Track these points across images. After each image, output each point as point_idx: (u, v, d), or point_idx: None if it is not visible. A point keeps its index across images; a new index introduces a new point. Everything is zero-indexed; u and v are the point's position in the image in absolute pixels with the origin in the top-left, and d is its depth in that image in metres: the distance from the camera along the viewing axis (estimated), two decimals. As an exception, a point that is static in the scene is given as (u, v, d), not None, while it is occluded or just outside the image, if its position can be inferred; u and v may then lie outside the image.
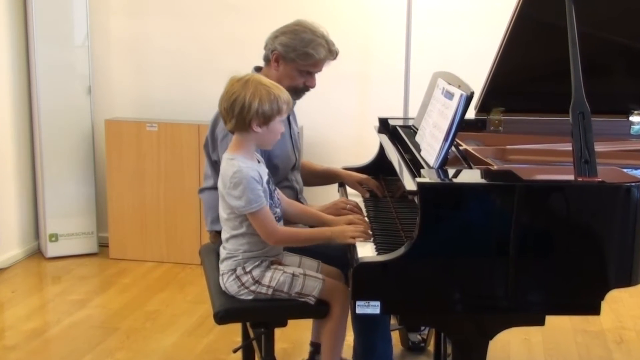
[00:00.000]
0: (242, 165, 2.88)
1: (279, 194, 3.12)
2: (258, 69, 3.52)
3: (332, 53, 3.45)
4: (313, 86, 3.49)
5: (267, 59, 3.50)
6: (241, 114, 2.86)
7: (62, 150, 5.68)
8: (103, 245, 5.90)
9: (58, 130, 5.63)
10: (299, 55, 3.38)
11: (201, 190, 3.58)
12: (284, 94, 2.92)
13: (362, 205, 3.43)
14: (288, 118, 3.53)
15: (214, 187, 3.28)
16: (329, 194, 4.01)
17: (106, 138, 5.65)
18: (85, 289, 5.15)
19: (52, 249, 5.75)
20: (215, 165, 3.39)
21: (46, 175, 5.66)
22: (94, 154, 5.81)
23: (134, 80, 5.88)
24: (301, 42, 3.38)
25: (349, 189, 3.74)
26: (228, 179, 2.88)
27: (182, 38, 5.74)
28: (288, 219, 3.14)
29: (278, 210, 3.04)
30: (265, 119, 2.87)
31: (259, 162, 3.03)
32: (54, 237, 5.73)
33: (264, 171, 3.01)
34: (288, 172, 3.54)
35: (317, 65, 3.44)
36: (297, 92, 3.48)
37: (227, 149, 3.01)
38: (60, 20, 5.58)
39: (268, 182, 2.99)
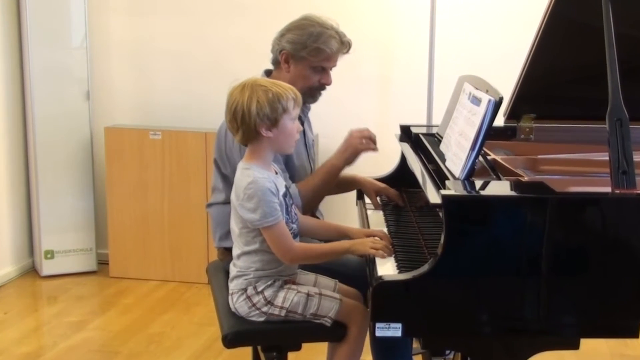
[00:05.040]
0: (257, 175, 2.89)
1: (295, 208, 3.13)
2: (268, 73, 3.54)
3: (344, 45, 3.46)
4: (329, 83, 3.51)
5: (276, 62, 3.51)
6: (244, 122, 2.87)
7: (59, 160, 5.72)
8: (102, 262, 5.94)
9: (54, 139, 5.68)
10: (310, 52, 3.40)
11: (209, 205, 3.59)
12: (287, 91, 2.91)
13: (382, 218, 3.45)
14: (303, 125, 3.55)
15: (223, 202, 3.30)
16: (345, 206, 4.03)
17: (106, 147, 5.69)
18: (83, 310, 5.18)
19: (47, 267, 5.79)
20: (225, 179, 3.41)
21: (41, 188, 5.70)
22: (93, 164, 5.85)
23: (135, 84, 5.92)
24: (310, 37, 3.40)
25: (366, 201, 3.75)
26: (242, 190, 2.89)
27: (187, 39, 5.78)
28: (304, 234, 3.16)
29: (295, 226, 3.05)
30: (272, 121, 2.88)
31: (276, 173, 3.04)
32: (50, 254, 5.77)
33: (281, 183, 3.02)
34: (303, 184, 3.55)
35: (331, 59, 3.46)
36: (312, 92, 3.50)
37: (242, 158, 3.02)
38: (57, 19, 5.63)
39: (285, 195, 3.00)
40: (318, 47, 3.39)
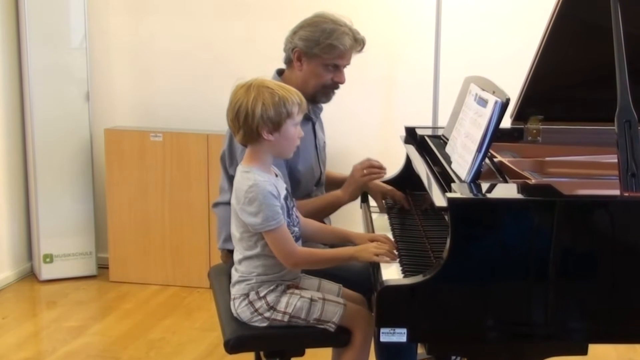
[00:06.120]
0: (258, 178, 2.89)
1: (296, 211, 3.14)
2: (280, 72, 3.54)
3: (358, 42, 3.46)
4: (342, 82, 3.50)
5: (288, 60, 3.51)
6: (247, 122, 2.87)
7: (58, 162, 5.73)
8: (102, 266, 5.95)
9: (53, 141, 5.69)
10: (322, 49, 3.40)
11: (215, 205, 3.60)
12: (293, 95, 2.91)
13: (386, 222, 3.45)
14: (313, 126, 3.55)
15: (229, 202, 3.30)
16: (349, 209, 4.03)
17: (106, 149, 5.70)
18: (82, 315, 5.19)
19: (46, 271, 5.79)
20: (232, 180, 3.40)
21: (40, 190, 5.71)
22: (93, 167, 5.86)
23: (136, 85, 5.93)
24: (323, 34, 3.39)
25: (371, 203, 3.75)
26: (243, 193, 2.90)
27: (189, 39, 5.78)
28: (306, 238, 3.16)
29: (296, 229, 3.06)
30: (274, 125, 2.88)
31: (276, 175, 3.05)
32: (49, 258, 5.78)
33: (282, 186, 3.03)
34: (311, 188, 3.55)
35: (344, 57, 3.45)
36: (325, 91, 3.50)
37: (241, 161, 3.03)
38: (56, 19, 5.64)
39: (286, 198, 3.01)
40: (331, 43, 3.39)
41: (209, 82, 5.73)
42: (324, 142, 3.71)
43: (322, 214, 3.49)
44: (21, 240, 5.89)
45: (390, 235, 3.20)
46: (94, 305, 5.45)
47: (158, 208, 5.67)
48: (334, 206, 3.51)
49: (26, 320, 5.18)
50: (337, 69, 3.47)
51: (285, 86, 2.96)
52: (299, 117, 2.95)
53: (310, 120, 3.53)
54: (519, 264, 2.54)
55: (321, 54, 3.41)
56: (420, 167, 3.31)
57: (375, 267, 2.87)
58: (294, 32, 3.47)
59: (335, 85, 3.50)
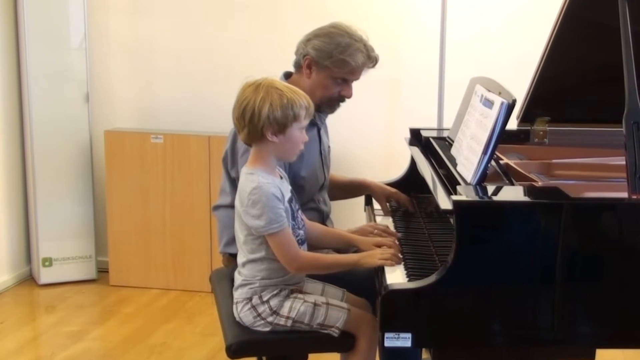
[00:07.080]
0: (262, 180, 2.90)
1: (302, 214, 3.14)
2: (288, 75, 3.54)
3: (371, 59, 3.45)
4: (349, 96, 3.50)
5: (298, 65, 3.50)
6: (252, 122, 2.88)
7: (57, 164, 5.73)
8: (102, 270, 5.94)
9: (52, 143, 5.68)
10: (334, 62, 3.39)
11: (216, 208, 3.59)
12: (301, 98, 2.92)
13: (391, 225, 3.45)
14: (318, 131, 3.55)
15: (231, 205, 3.30)
16: (353, 212, 4.03)
17: (106, 151, 5.70)
18: (82, 320, 5.19)
19: (45, 275, 5.79)
20: (233, 182, 3.41)
21: (39, 193, 5.71)
22: (92, 169, 5.86)
23: (136, 86, 5.93)
24: (337, 47, 3.38)
25: (376, 207, 3.75)
26: (246, 195, 2.90)
27: (189, 40, 5.78)
28: (310, 242, 3.16)
29: (301, 232, 3.06)
30: (280, 127, 2.89)
31: (281, 178, 3.05)
32: (48, 262, 5.78)
33: (287, 188, 3.03)
34: (315, 192, 3.54)
35: (354, 73, 3.45)
36: (331, 103, 3.50)
37: (245, 163, 3.03)
38: (55, 20, 5.64)
39: (290, 201, 3.01)
40: (343, 59, 3.38)
41: (210, 83, 5.73)
42: (329, 147, 3.70)
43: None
44: (20, 244, 5.89)
45: (392, 228, 3.21)
46: (93, 309, 5.45)
47: (159, 211, 5.67)
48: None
49: (25, 325, 5.18)
50: (346, 83, 3.46)
51: (294, 88, 2.96)
52: (305, 121, 2.95)
53: (316, 125, 3.52)
54: (525, 267, 2.54)
55: (332, 67, 3.40)
56: (425, 170, 3.31)
57: (379, 271, 2.86)
58: (308, 39, 3.45)
59: (341, 98, 3.50)
